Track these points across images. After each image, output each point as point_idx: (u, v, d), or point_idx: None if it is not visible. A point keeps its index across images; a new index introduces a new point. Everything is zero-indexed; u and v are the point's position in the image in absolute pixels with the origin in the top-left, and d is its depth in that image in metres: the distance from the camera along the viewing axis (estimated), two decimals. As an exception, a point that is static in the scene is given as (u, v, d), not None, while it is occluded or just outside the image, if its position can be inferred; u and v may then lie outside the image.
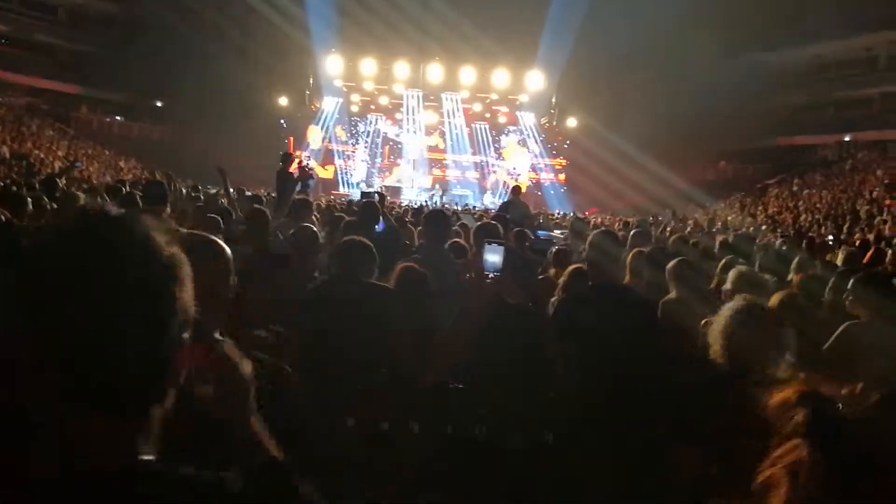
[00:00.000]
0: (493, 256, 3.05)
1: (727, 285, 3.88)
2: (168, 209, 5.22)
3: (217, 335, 1.72)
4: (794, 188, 27.42)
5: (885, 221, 15.49)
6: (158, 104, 36.70)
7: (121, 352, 0.80)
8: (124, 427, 0.83)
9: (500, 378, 3.23)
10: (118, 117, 36.64)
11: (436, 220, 4.77)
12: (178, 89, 32.49)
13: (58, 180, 6.62)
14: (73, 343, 0.78)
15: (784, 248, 8.05)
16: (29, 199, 5.90)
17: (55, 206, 5.77)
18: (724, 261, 4.93)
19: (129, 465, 0.81)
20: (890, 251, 4.95)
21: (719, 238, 7.65)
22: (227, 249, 1.77)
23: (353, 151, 35.21)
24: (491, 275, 2.97)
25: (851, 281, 3.65)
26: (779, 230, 16.18)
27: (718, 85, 29.58)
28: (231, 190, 7.39)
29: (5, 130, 23.92)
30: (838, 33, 30.76)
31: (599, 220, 19.19)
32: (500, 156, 35.72)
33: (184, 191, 10.83)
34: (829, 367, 3.13)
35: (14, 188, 6.88)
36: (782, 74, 33.79)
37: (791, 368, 2.37)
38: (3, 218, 4.36)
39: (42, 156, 22.47)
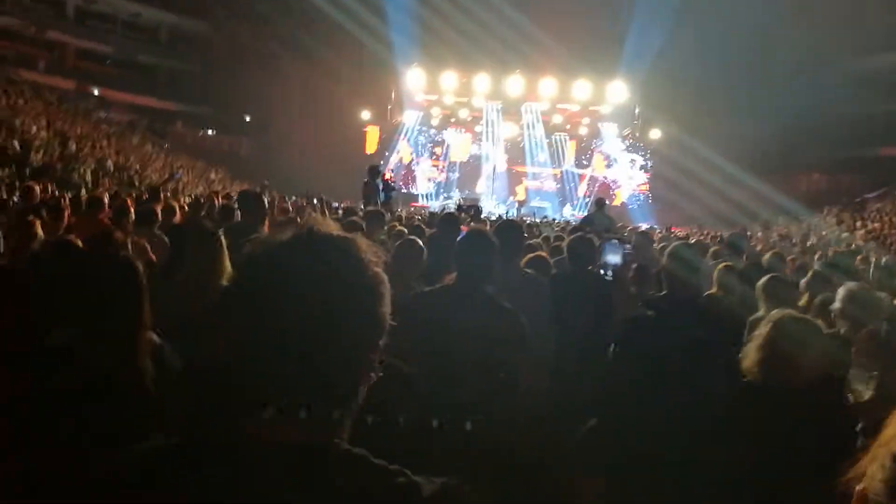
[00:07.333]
0: (613, 255, 3.40)
1: (836, 304, 3.65)
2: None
3: None
4: (899, 201, 25.68)
5: None
6: (247, 118, 38.23)
7: (330, 352, 0.90)
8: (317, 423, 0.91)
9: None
10: (209, 131, 38.41)
11: (506, 230, 4.12)
12: (265, 104, 33.80)
13: (160, 191, 6.95)
14: (293, 343, 0.88)
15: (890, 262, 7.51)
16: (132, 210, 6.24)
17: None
18: (809, 275, 4.69)
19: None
20: None
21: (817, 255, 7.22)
22: None
23: (434, 165, 35.53)
24: (610, 272, 3.20)
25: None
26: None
27: (813, 91, 28.19)
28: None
29: (111, 144, 25.44)
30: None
31: (683, 234, 18.44)
32: (588, 167, 35.19)
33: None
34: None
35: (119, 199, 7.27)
36: (881, 81, 31.85)
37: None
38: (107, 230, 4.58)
39: (138, 167, 23.71)
